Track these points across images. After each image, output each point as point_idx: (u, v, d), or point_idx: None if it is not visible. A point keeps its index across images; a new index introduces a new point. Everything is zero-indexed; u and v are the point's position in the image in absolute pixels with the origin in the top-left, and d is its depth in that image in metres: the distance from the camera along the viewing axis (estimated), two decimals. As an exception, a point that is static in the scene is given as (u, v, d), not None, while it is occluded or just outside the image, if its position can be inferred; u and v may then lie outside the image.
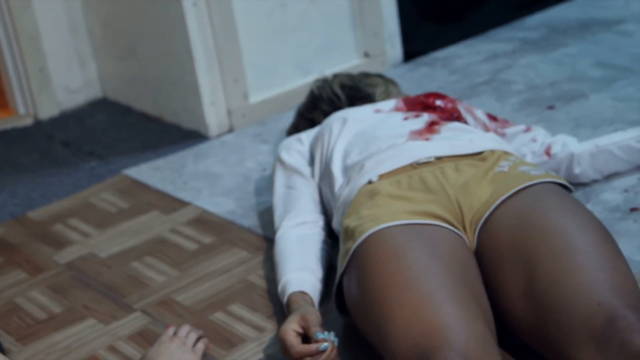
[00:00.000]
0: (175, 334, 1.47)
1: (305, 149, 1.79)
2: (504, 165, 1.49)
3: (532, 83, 2.33)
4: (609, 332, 1.15)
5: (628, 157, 1.77)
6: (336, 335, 1.38)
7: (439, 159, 1.52)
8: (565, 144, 1.77)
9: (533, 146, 1.77)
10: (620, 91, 2.18)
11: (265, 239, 1.81)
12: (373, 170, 1.53)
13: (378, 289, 1.29)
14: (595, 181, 1.78)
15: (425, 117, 1.66)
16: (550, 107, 2.16)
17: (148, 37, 2.46)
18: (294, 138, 1.82)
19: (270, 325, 1.54)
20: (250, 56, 2.38)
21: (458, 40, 2.73)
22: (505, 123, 1.81)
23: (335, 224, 1.61)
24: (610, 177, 1.78)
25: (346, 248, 1.41)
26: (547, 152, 1.76)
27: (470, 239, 1.41)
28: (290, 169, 1.75)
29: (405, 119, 1.67)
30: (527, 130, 1.79)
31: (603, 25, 2.64)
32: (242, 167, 2.16)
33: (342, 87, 1.93)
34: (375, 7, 2.54)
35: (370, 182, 1.51)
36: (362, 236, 1.37)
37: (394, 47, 2.63)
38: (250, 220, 1.90)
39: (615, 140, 1.77)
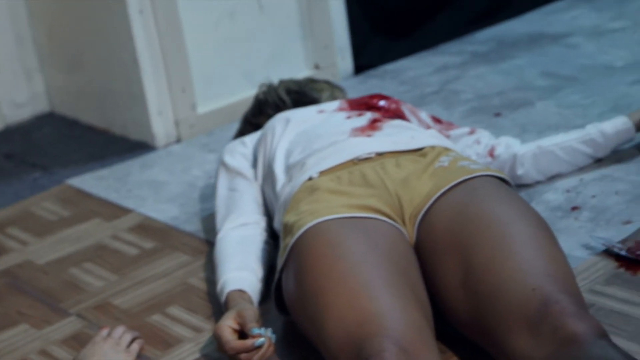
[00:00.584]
0: (109, 334, 1.43)
1: (248, 151, 1.77)
2: (444, 161, 1.48)
3: (480, 92, 2.34)
4: (542, 317, 1.13)
5: (570, 159, 1.77)
6: (273, 332, 1.35)
7: (380, 154, 1.51)
8: (509, 145, 1.77)
9: (477, 148, 1.76)
10: (565, 99, 2.19)
11: (207, 243, 1.78)
12: (314, 168, 1.52)
13: (314, 280, 1.27)
14: (538, 182, 1.77)
15: (368, 115, 1.65)
16: (497, 115, 2.17)
17: (94, 47, 2.43)
18: (237, 141, 1.80)
19: (208, 326, 1.51)
20: (198, 66, 2.36)
21: (409, 53, 2.74)
22: (450, 125, 1.81)
23: (276, 224, 1.59)
24: (552, 178, 1.78)
25: (285, 244, 1.39)
26: (491, 154, 1.75)
27: (410, 233, 1.40)
28: (233, 172, 1.73)
29: (348, 117, 1.66)
30: (471, 132, 1.79)
31: (550, 38, 2.67)
32: (188, 175, 2.14)
33: (288, 91, 1.91)
34: (325, 19, 2.54)
35: (310, 179, 1.49)
36: (300, 230, 1.35)
37: (345, 60, 2.63)
38: (193, 226, 1.87)
39: (557, 141, 1.77)
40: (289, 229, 1.40)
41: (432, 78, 2.51)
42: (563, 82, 2.31)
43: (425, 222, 1.38)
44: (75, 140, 2.49)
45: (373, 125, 1.60)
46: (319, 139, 1.59)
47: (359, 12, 2.67)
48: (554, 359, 1.10)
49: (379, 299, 1.20)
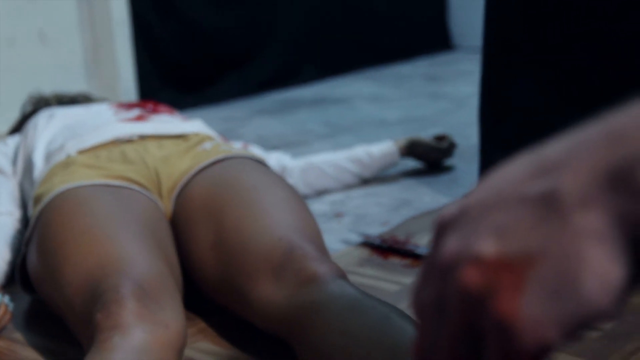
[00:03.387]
0: None
1: (9, 149, 1.69)
2: (207, 146, 1.48)
3: (261, 134, 2.39)
4: (286, 262, 1.13)
5: (337, 175, 1.83)
6: (11, 300, 1.26)
7: (143, 138, 1.49)
8: (280, 159, 1.80)
9: (248, 158, 1.78)
10: (340, 140, 2.28)
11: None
12: (73, 148, 1.47)
13: (56, 234, 1.20)
14: (306, 196, 1.81)
15: (137, 110, 1.64)
16: (275, 148, 2.21)
17: None
18: (-1, 142, 1.72)
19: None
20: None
21: (196, 106, 2.77)
22: (224, 139, 1.82)
23: (30, 210, 1.51)
24: (321, 193, 1.82)
25: (33, 214, 1.32)
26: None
27: (167, 207, 1.37)
28: (-7, 170, 1.64)
29: (116, 112, 1.63)
30: (244, 146, 1.81)
31: (333, 101, 2.79)
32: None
33: (59, 100, 1.87)
34: (110, 62, 2.53)
35: (68, 157, 1.44)
36: (48, 196, 1.29)
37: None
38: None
39: (326, 158, 1.83)
40: (37, 199, 1.33)
41: (218, 125, 2.55)
42: (340, 129, 2.41)
43: (182, 196, 1.36)
44: None
45: (140, 117, 1.59)
46: (83, 126, 1.56)
47: (148, 62, 2.69)
48: (295, 298, 1.09)
49: (124, 247, 1.16)
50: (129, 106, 1.71)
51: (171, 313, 1.07)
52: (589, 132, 0.36)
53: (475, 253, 0.37)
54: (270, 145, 2.26)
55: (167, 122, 1.57)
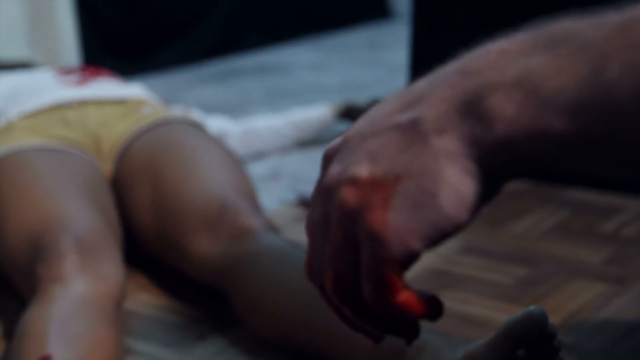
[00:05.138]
0: None
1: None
2: (146, 110, 1.52)
3: (202, 101, 2.43)
4: (221, 217, 1.19)
5: (274, 139, 1.89)
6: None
7: (83, 103, 1.52)
8: (219, 122, 1.85)
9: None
10: (280, 105, 2.34)
11: None
12: (13, 113, 1.50)
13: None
14: (244, 159, 1.87)
15: (77, 76, 1.67)
16: (216, 113, 2.26)
17: None
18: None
19: None
20: None
21: (139, 73, 2.79)
22: (164, 104, 1.86)
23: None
24: (259, 155, 1.88)
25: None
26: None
27: (108, 169, 1.41)
28: None
29: (56, 75, 1.66)
30: (184, 110, 1.85)
31: (274, 68, 2.84)
32: None
33: (0, 67, 1.89)
34: (52, 30, 2.53)
35: (8, 123, 1.47)
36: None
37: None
38: None
39: (265, 124, 1.89)
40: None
41: (160, 93, 2.58)
42: (280, 96, 2.46)
43: (122, 158, 1.41)
44: None
45: (80, 82, 1.62)
46: (23, 92, 1.58)
47: (90, 29, 2.70)
48: (229, 250, 1.15)
49: (65, 204, 1.20)
50: (69, 71, 1.74)
51: (110, 266, 1.12)
52: (447, 69, 0.43)
53: (351, 175, 0.43)
54: (212, 111, 2.30)
55: (106, 87, 1.60)
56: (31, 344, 0.96)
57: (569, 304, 1.14)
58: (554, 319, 1.10)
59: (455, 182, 0.41)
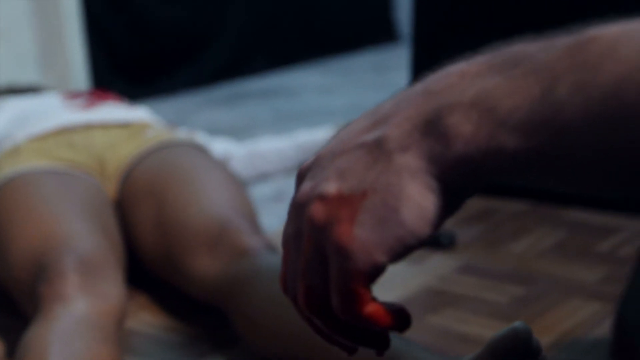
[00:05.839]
0: None
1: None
2: (151, 132, 1.55)
3: (210, 125, 2.46)
4: (221, 236, 1.21)
5: (280, 161, 1.91)
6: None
7: (89, 126, 1.55)
8: (224, 144, 1.87)
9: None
10: (288, 128, 2.36)
11: None
12: (20, 136, 1.53)
13: (2, 215, 1.27)
14: (250, 180, 1.89)
15: (84, 99, 1.70)
16: (223, 135, 2.29)
17: None
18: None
19: None
20: None
21: (147, 97, 2.83)
22: (169, 127, 1.89)
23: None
24: (264, 176, 1.90)
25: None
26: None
27: (113, 190, 1.44)
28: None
29: (64, 100, 1.70)
30: (189, 133, 1.88)
31: (281, 92, 2.87)
32: None
33: (11, 91, 1.92)
34: (62, 54, 2.58)
35: (16, 145, 1.50)
36: (-4, 181, 1.35)
37: (82, 97, 2.66)
38: None
39: (271, 146, 1.91)
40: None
41: (168, 116, 2.61)
42: (288, 119, 2.49)
43: (127, 179, 1.43)
44: None
45: (87, 105, 1.65)
46: (31, 115, 1.62)
47: (99, 54, 2.74)
48: (228, 269, 1.17)
49: (68, 225, 1.22)
50: (76, 95, 1.77)
51: (112, 286, 1.14)
52: (412, 90, 0.45)
53: (320, 191, 0.45)
54: (220, 134, 2.33)
55: (112, 111, 1.63)
56: (32, 362, 0.97)
57: (565, 322, 1.15)
58: (549, 337, 1.11)
59: (417, 198, 0.43)
